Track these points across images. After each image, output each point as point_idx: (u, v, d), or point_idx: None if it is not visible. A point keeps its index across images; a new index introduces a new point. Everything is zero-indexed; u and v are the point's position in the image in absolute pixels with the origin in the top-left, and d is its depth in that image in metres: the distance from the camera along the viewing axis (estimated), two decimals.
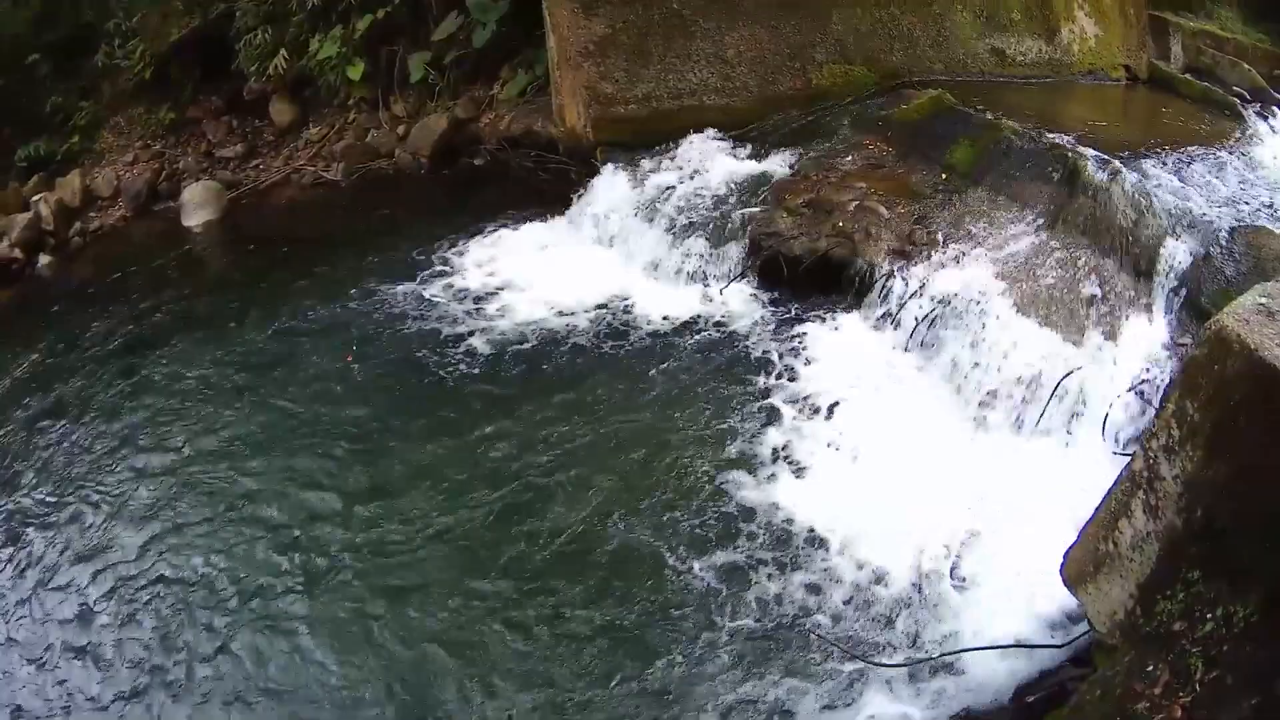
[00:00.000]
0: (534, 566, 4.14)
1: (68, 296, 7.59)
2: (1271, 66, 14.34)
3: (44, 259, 8.69)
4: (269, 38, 8.40)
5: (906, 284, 5.38)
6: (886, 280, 5.52)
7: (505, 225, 6.91)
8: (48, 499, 5.09)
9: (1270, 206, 5.87)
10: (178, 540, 4.58)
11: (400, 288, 6.40)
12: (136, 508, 4.85)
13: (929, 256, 5.41)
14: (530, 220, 6.88)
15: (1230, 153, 6.95)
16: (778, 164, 6.59)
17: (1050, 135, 5.89)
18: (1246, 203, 5.96)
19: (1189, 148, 6.71)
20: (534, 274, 6.42)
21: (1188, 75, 10.54)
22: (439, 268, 6.64)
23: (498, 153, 7.55)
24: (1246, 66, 11.16)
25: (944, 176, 6.18)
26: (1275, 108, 10.39)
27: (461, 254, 6.77)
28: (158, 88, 9.68)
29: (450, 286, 6.43)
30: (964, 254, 5.33)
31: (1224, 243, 4.89)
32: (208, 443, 5.23)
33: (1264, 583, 2.24)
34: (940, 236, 5.59)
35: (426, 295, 6.34)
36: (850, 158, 6.56)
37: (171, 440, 5.32)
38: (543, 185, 6.93)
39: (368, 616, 4.01)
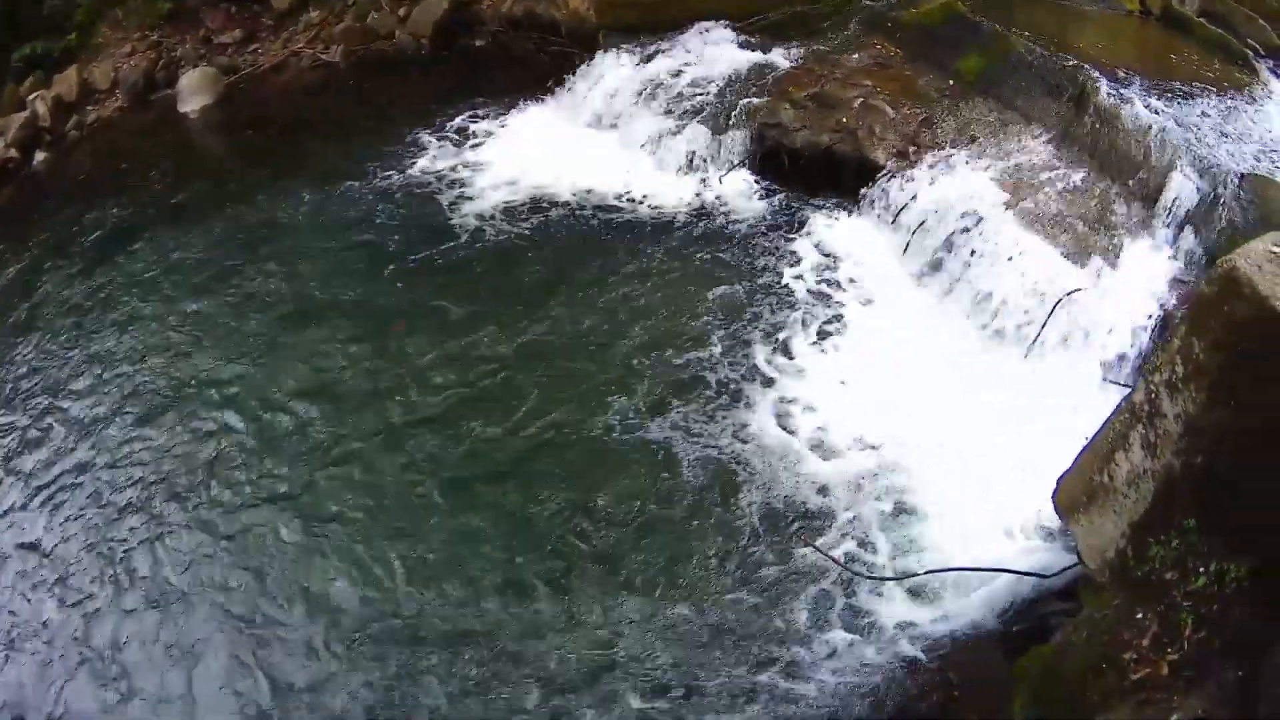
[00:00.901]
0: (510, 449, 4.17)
1: (63, 193, 7.52)
2: None
3: (40, 156, 8.56)
4: None
5: (908, 184, 5.31)
6: (888, 179, 5.45)
7: (505, 106, 6.78)
8: (34, 393, 5.09)
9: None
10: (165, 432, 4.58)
11: (396, 169, 6.32)
12: (138, 388, 4.88)
13: (932, 160, 5.34)
14: (530, 102, 6.74)
15: (1242, 102, 6.91)
16: (783, 56, 6.47)
17: (1063, 55, 5.78)
18: (1257, 155, 5.93)
19: (1201, 89, 6.61)
20: (533, 155, 6.33)
21: (1202, 19, 10.43)
22: (437, 148, 6.56)
23: (499, 34, 7.40)
24: (1262, 23, 11.05)
25: (951, 83, 6.06)
26: None
27: (460, 135, 6.67)
28: None
29: (448, 167, 6.35)
30: (968, 161, 5.25)
31: (1232, 186, 4.78)
32: (194, 327, 5.23)
33: (1258, 545, 2.18)
34: (945, 141, 5.49)
35: (424, 176, 6.26)
36: (857, 56, 6.44)
37: (160, 330, 5.31)
38: (544, 68, 6.78)
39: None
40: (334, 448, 4.30)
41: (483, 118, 6.79)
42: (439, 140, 6.62)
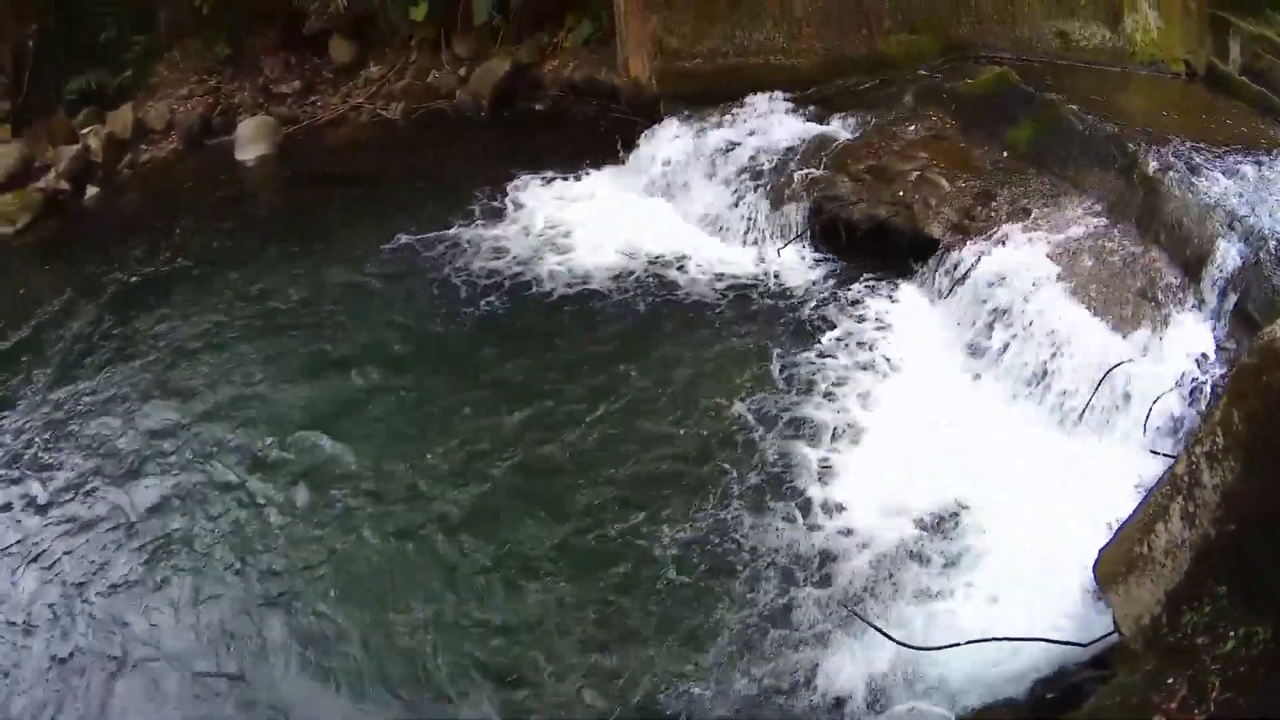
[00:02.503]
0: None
1: (112, 230, 7.63)
2: None
3: (91, 191, 8.69)
4: None
5: (962, 258, 5.35)
6: (943, 253, 5.50)
7: (564, 171, 6.91)
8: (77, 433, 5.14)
9: None
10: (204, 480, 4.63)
11: (454, 229, 6.42)
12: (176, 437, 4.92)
13: (986, 233, 5.38)
14: (589, 168, 6.88)
15: None
16: (840, 128, 6.56)
17: (1111, 123, 5.83)
18: None
19: (1244, 150, 6.66)
20: (590, 221, 6.43)
21: (1244, 78, 10.47)
22: (495, 210, 6.68)
23: (559, 99, 7.55)
24: None
25: (1004, 154, 6.14)
26: None
27: (518, 197, 6.79)
28: (214, 21, 9.66)
29: (506, 229, 6.45)
30: (1021, 234, 5.29)
31: (1274, 250, 4.79)
32: (237, 382, 5.28)
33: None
34: (999, 214, 5.54)
35: (482, 237, 6.36)
36: (913, 127, 6.52)
37: (201, 377, 5.39)
38: (603, 134, 6.91)
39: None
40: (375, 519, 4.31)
41: (541, 182, 6.90)
42: (495, 204, 6.74)
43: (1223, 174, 6.17)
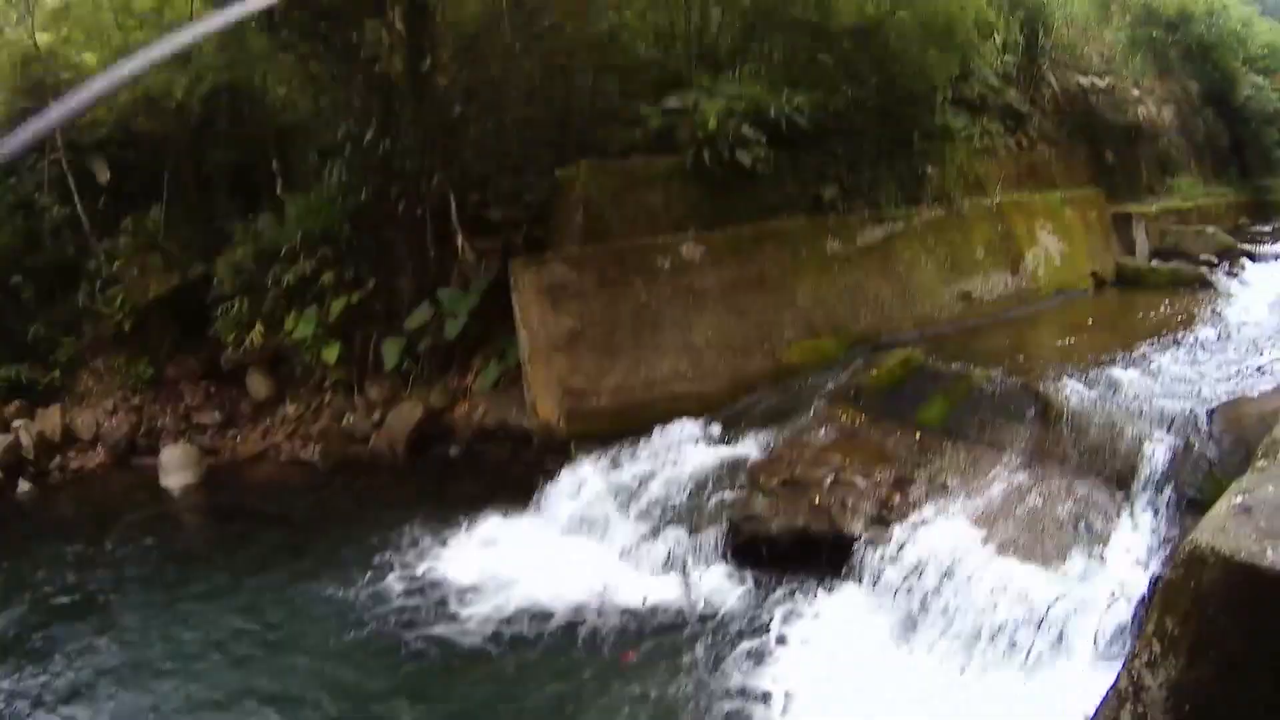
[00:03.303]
0: None
1: (43, 533, 7.62)
2: (1238, 217, 14.73)
3: (24, 485, 8.71)
4: (245, 309, 8.52)
5: (883, 550, 5.33)
6: (864, 550, 5.46)
7: (479, 518, 6.79)
8: None
9: (1246, 368, 5.91)
10: None
11: (368, 580, 6.30)
12: None
13: (906, 519, 5.40)
14: (503, 513, 6.76)
15: (1202, 328, 7.14)
16: (751, 446, 6.62)
17: (1018, 376, 6.01)
18: (1222, 376, 5.99)
19: (1160, 339, 6.90)
20: (506, 568, 6.32)
21: (1154, 262, 10.76)
22: (411, 560, 6.58)
23: (473, 442, 7.57)
24: (1211, 230, 11.45)
25: (918, 436, 6.22)
26: (1244, 260, 10.60)
27: (434, 547, 6.70)
28: (137, 339, 9.78)
29: (421, 580, 6.33)
30: (941, 510, 5.33)
31: (1203, 427, 4.87)
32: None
33: None
34: (917, 497, 5.58)
35: (397, 588, 6.23)
36: (823, 431, 6.58)
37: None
38: (517, 478, 6.89)
39: None
40: None
41: (458, 528, 6.82)
42: (413, 551, 6.63)
43: (1139, 375, 6.32)
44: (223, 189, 9.85)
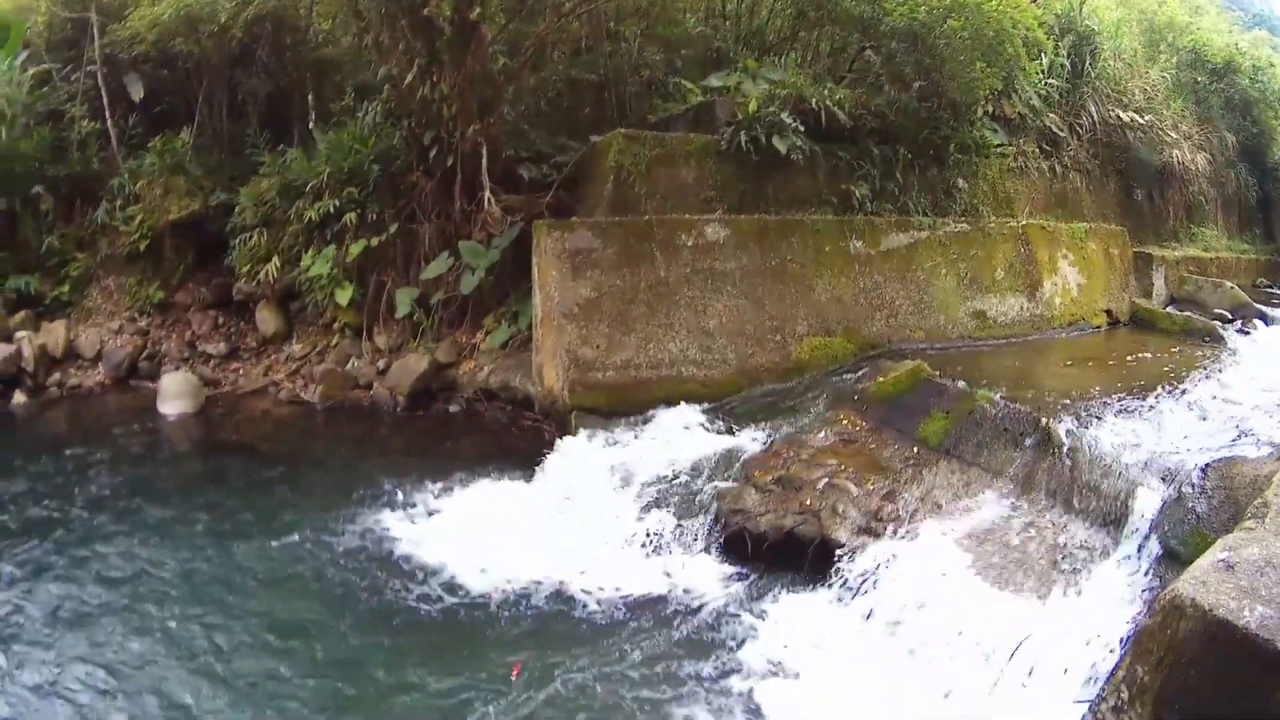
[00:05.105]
0: None
1: (33, 447, 7.56)
2: (1255, 275, 14.71)
3: (19, 398, 8.74)
4: (264, 241, 8.50)
5: (868, 562, 5.28)
6: (850, 558, 5.43)
7: (471, 478, 6.78)
8: None
9: (1245, 432, 5.80)
10: None
11: (359, 528, 6.26)
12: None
13: (894, 533, 5.38)
14: (496, 476, 6.75)
15: (1206, 382, 6.97)
16: (750, 439, 6.58)
17: (1021, 402, 5.96)
18: (1219, 432, 5.89)
19: (1164, 388, 6.82)
20: (492, 533, 6.28)
21: (1170, 308, 10.74)
22: (399, 513, 6.54)
23: (474, 402, 7.55)
24: (1229, 285, 11.41)
25: (915, 450, 6.18)
26: (1256, 320, 10.58)
27: (424, 504, 6.66)
28: (151, 261, 9.79)
29: (404, 537, 6.30)
30: (930, 527, 5.31)
31: (1195, 481, 4.82)
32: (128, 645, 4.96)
33: None
34: (907, 512, 5.54)
35: (386, 538, 6.20)
36: (823, 434, 6.56)
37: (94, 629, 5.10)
38: (514, 442, 6.87)
39: None
40: None
41: (449, 486, 6.78)
42: (402, 505, 6.59)
43: (1140, 419, 6.27)
44: (254, 119, 9.84)
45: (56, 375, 9.25)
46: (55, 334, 9.46)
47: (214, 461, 7.78)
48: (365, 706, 4.61)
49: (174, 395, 8.60)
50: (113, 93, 10.08)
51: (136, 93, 10.20)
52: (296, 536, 6.15)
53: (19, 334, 9.16)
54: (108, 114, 10.07)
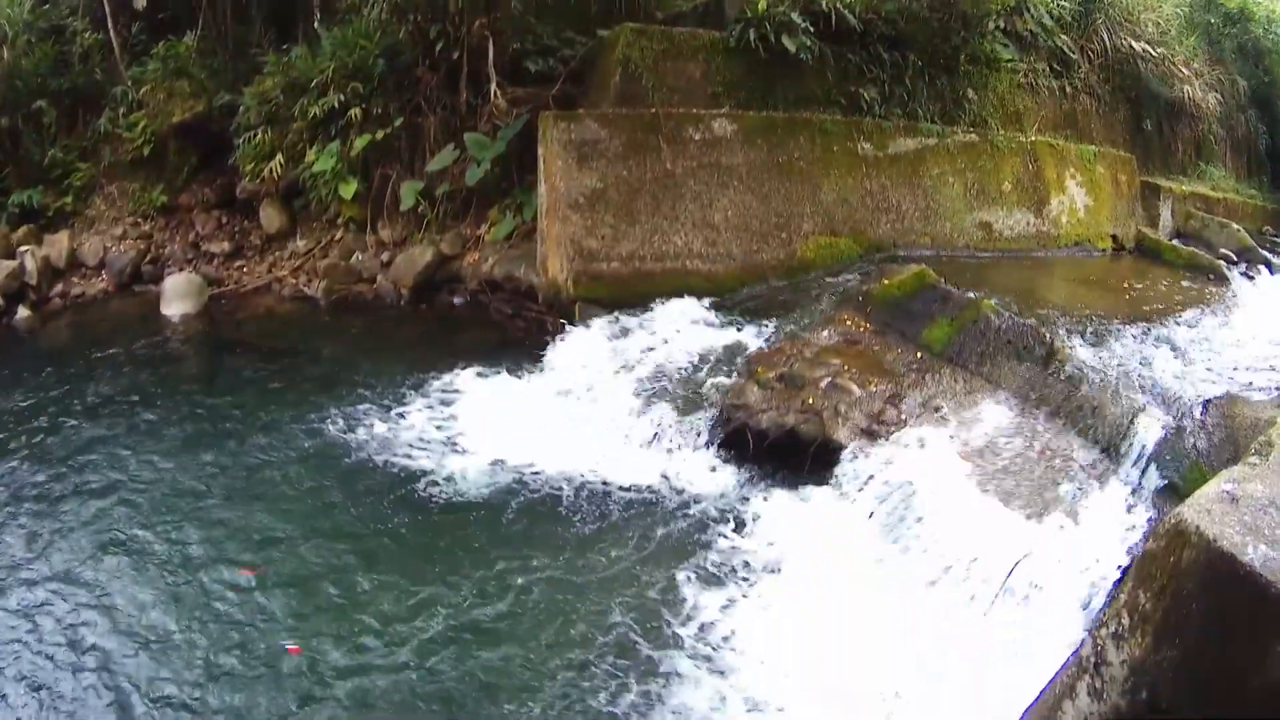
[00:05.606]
0: None
1: (37, 359, 7.59)
2: (1262, 223, 14.64)
3: (22, 311, 8.74)
4: (268, 139, 8.45)
5: (869, 463, 5.29)
6: (851, 459, 5.45)
7: (474, 370, 6.79)
8: None
9: (1245, 371, 5.85)
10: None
11: (362, 421, 6.28)
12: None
13: (895, 436, 5.37)
14: (500, 368, 6.77)
15: (1209, 320, 6.99)
16: (754, 335, 6.58)
17: (1026, 316, 5.93)
18: (1222, 371, 5.94)
19: (1168, 318, 6.80)
20: (495, 424, 6.29)
21: (1175, 241, 10.69)
22: (402, 406, 6.55)
23: (477, 294, 7.55)
24: (1235, 227, 11.35)
25: (919, 354, 6.17)
26: (1261, 266, 10.54)
27: (427, 395, 6.67)
28: (155, 166, 9.74)
29: (409, 428, 6.31)
30: (932, 434, 5.29)
31: (1197, 415, 4.83)
32: (131, 551, 4.98)
33: None
34: (909, 416, 5.54)
35: (385, 434, 6.21)
36: (827, 333, 6.54)
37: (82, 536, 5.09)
38: (518, 333, 6.87)
39: None
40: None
41: (452, 378, 6.79)
42: (405, 397, 6.61)
43: (1144, 345, 6.26)
44: (259, 19, 9.73)
45: (60, 286, 9.24)
46: (58, 245, 9.43)
47: (217, 359, 7.81)
48: (343, 612, 4.55)
49: (177, 296, 8.61)
50: (115, 3, 9.97)
51: (140, 1, 10.08)
52: (293, 433, 6.15)
53: (22, 249, 9.11)
54: (110, 24, 9.97)
